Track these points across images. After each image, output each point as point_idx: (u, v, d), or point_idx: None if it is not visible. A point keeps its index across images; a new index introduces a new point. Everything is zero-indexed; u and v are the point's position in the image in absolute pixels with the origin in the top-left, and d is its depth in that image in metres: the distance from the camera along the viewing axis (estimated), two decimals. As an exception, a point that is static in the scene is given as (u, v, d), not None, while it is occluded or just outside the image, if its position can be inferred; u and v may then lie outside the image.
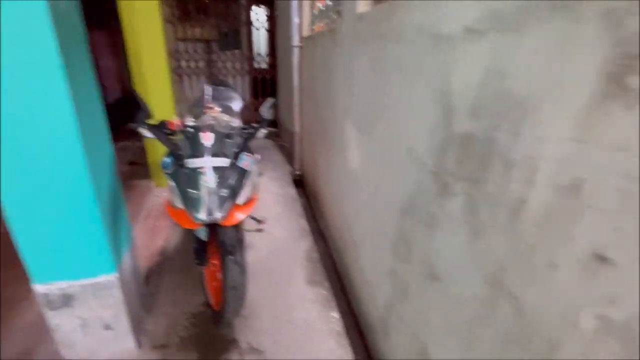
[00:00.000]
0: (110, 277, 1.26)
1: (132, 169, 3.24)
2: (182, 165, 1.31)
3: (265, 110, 1.38)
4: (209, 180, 1.27)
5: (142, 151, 3.33)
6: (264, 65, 4.52)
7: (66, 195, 1.10)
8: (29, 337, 1.31)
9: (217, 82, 2.47)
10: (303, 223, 2.55)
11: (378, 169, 1.38)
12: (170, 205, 1.38)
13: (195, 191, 1.27)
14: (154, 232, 2.27)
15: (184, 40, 4.23)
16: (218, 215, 1.26)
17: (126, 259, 1.40)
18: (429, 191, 0.97)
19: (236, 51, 4.54)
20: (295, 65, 3.13)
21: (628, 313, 0.47)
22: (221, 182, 1.30)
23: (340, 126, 1.96)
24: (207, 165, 1.29)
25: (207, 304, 1.67)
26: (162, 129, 1.41)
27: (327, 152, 2.35)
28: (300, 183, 3.46)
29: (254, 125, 1.60)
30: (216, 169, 1.31)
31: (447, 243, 0.90)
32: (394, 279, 1.26)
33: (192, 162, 1.29)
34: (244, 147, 1.41)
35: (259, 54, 4.41)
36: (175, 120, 1.38)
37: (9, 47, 0.91)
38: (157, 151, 2.85)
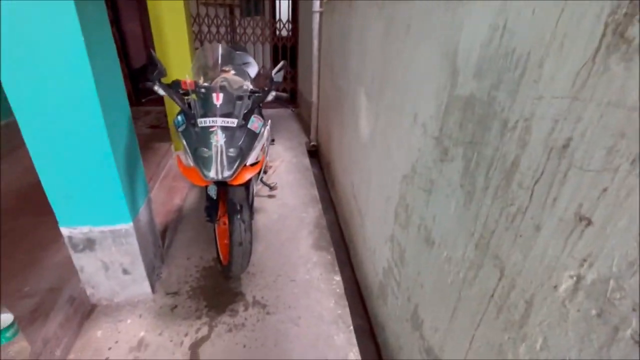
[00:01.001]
0: (126, 226, 1.36)
1: (153, 132, 3.36)
2: (193, 124, 1.36)
3: (275, 73, 1.38)
4: (218, 139, 1.32)
5: (164, 115, 3.43)
6: (285, 33, 4.42)
7: (85, 147, 1.17)
8: (57, 276, 1.46)
9: (233, 46, 2.47)
10: (314, 192, 2.59)
11: (385, 137, 1.37)
12: (182, 162, 1.45)
13: (205, 149, 1.32)
14: (171, 192, 2.39)
15: (206, 4, 4.17)
16: (226, 173, 1.31)
17: (143, 212, 1.49)
18: (430, 157, 0.97)
19: (258, 17, 4.46)
20: (315, 32, 3.05)
21: (601, 273, 0.48)
22: (230, 142, 1.34)
23: (353, 94, 1.93)
24: (217, 124, 1.32)
25: (218, 259, 1.77)
26: (175, 88, 1.45)
27: (340, 122, 2.33)
28: (315, 154, 3.48)
29: (265, 89, 1.61)
30: (226, 128, 1.34)
31: (442, 208, 0.90)
32: (393, 244, 1.29)
33: (203, 121, 1.33)
34: (254, 110, 1.44)
35: (280, 21, 4.30)
36: (188, 80, 1.41)
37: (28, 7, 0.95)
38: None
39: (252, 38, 4.37)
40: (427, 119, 0.98)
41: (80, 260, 1.39)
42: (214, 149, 1.31)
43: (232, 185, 1.42)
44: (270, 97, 1.44)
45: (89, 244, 1.35)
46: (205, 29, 4.17)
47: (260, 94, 1.46)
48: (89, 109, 1.12)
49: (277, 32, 4.34)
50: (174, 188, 2.43)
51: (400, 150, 1.19)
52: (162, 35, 2.63)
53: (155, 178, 2.47)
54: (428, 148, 0.98)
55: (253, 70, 2.29)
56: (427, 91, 0.98)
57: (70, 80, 1.06)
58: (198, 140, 1.34)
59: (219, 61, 1.60)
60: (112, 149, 1.21)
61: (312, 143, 3.48)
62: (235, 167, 1.33)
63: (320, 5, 2.94)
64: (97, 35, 1.12)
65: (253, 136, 1.42)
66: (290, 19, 4.40)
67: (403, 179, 1.18)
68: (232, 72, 1.76)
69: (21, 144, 1.12)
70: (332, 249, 1.97)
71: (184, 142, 1.36)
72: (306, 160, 3.14)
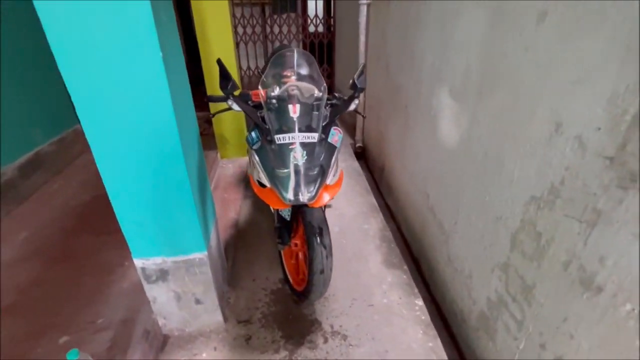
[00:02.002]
0: (200, 255, 1.25)
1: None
2: (270, 141, 1.22)
3: (357, 78, 1.20)
4: (297, 157, 1.17)
5: (208, 122, 3.36)
6: (320, 29, 4.24)
7: (162, 172, 1.06)
8: (128, 305, 1.38)
9: (283, 47, 2.31)
10: (371, 199, 2.42)
11: (492, 146, 1.16)
12: (256, 183, 1.31)
13: (283, 169, 1.17)
14: (224, 204, 2.29)
15: (240, 4, 4.06)
16: (307, 195, 1.16)
17: (213, 236, 1.38)
18: (594, 181, 0.76)
19: (291, 14, 4.29)
20: (361, 27, 2.84)
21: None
22: (310, 160, 1.19)
23: (425, 93, 1.72)
24: (296, 141, 1.18)
25: (285, 280, 1.64)
26: (245, 100, 1.32)
27: (401, 123, 2.13)
28: (362, 156, 3.29)
29: (339, 95, 1.45)
30: (305, 145, 1.19)
31: (623, 250, 0.70)
32: (508, 275, 1.09)
33: (281, 138, 1.18)
34: (333, 121, 1.27)
35: (315, 16, 4.12)
36: (259, 91, 1.27)
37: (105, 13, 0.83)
38: (222, 122, 2.84)
39: (287, 36, 4.22)
40: (589, 131, 0.77)
41: (153, 290, 1.29)
42: (293, 167, 1.16)
43: (309, 206, 1.27)
44: (352, 107, 1.27)
45: (162, 274, 1.25)
46: (240, 30, 4.06)
47: (338, 103, 1.30)
48: (167, 128, 1.00)
49: (314, 28, 4.16)
50: (226, 200, 2.33)
51: (527, 165, 0.99)
52: (206, 39, 2.53)
53: (206, 190, 2.38)
54: (589, 169, 0.78)
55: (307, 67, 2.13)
56: (585, 95, 0.78)
57: (147, 94, 0.94)
58: (275, 159, 1.20)
59: (295, 68, 1.44)
60: (188, 173, 1.09)
61: (358, 144, 3.29)
62: (316, 187, 1.18)
63: (369, -3, 2.73)
64: (170, 47, 1.00)
65: (332, 151, 1.27)
66: (325, 13, 4.20)
67: (531, 200, 0.97)
68: (294, 77, 1.60)
69: (76, 156, 1.02)
70: (405, 267, 1.79)
71: (258, 161, 1.22)
72: (355, 164, 2.97)
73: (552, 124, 0.88)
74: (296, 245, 1.49)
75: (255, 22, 4.06)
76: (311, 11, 4.24)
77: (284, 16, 4.22)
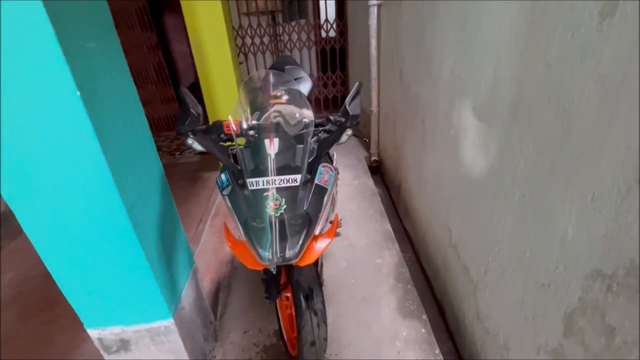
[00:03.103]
0: (166, 323, 1.04)
1: (202, 158, 3.15)
2: (242, 185, 0.98)
3: (352, 102, 0.94)
4: (276, 206, 0.92)
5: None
6: (332, 34, 3.99)
7: (103, 235, 0.86)
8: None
9: (283, 59, 2.08)
10: (386, 225, 2.12)
11: (534, 187, 0.86)
12: (229, 233, 1.08)
13: (258, 222, 0.93)
14: (222, 234, 2.09)
15: (247, 14, 3.91)
16: (289, 253, 0.92)
17: (186, 293, 1.17)
18: None
19: (302, 20, 4.08)
20: (372, 30, 2.57)
21: None
22: (292, 208, 0.95)
23: (444, 107, 1.42)
24: (272, 186, 0.93)
25: (280, 336, 1.40)
26: (217, 133, 1.09)
27: (417, 139, 1.84)
28: (377, 169, 3.00)
29: (333, 118, 1.18)
30: (284, 189, 0.95)
31: None
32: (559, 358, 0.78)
33: (254, 182, 0.95)
34: (322, 155, 1.02)
35: (327, 21, 3.88)
36: (232, 121, 1.04)
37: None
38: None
39: (297, 44, 4.01)
40: None
41: (116, 361, 1.10)
42: (270, 219, 0.92)
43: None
44: (344, 139, 1.01)
45: (124, 344, 1.06)
46: (248, 40, 3.91)
47: (328, 133, 1.05)
48: (100, 183, 0.79)
49: (325, 34, 3.92)
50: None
51: (588, 224, 0.68)
52: (203, 53, 2.37)
53: (205, 217, 2.20)
54: None
55: (306, 86, 1.88)
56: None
57: (66, 144, 0.74)
58: (249, 208, 0.96)
59: (270, 91, 1.21)
60: (137, 232, 0.88)
61: (373, 158, 3.00)
62: (300, 242, 0.93)
63: (379, -4, 2.45)
64: (105, 81, 0.79)
65: (321, 193, 1.01)
66: (337, 16, 3.96)
67: (596, 276, 0.67)
68: (285, 97, 1.36)
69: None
70: (425, 316, 1.49)
71: (231, 211, 0.99)
72: (370, 181, 2.68)
73: (633, 170, 0.58)
74: (287, 299, 1.25)
75: (263, 31, 3.88)
76: (323, 16, 4.01)
77: (293, 23, 4.02)
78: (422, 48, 1.67)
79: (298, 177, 0.95)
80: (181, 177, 2.67)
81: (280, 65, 1.91)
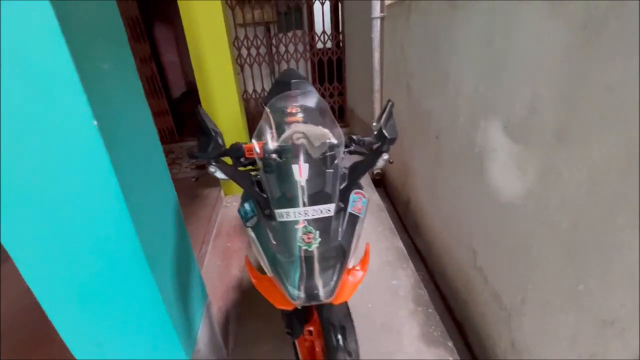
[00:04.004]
0: (182, 369, 0.92)
1: (200, 173, 3.02)
2: (268, 216, 0.89)
3: (387, 124, 0.87)
4: (309, 239, 0.84)
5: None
6: (328, 45, 3.97)
7: (117, 282, 0.75)
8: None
9: (286, 74, 2.00)
10: (397, 243, 2.05)
11: (588, 216, 0.80)
12: (252, 268, 0.98)
13: (287, 256, 0.84)
14: (226, 256, 1.98)
15: (243, 25, 3.85)
16: (323, 292, 0.83)
17: (202, 331, 1.05)
18: None
19: (298, 32, 4.05)
20: (375, 42, 2.54)
21: None
22: (325, 241, 0.86)
23: (464, 124, 1.38)
24: (306, 217, 0.85)
25: (299, 372, 1.29)
26: (236, 157, 1.00)
27: (430, 156, 1.78)
28: (381, 183, 2.94)
29: (357, 138, 1.11)
30: (317, 221, 0.86)
31: None
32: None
33: (284, 214, 0.86)
34: (354, 181, 0.94)
35: (323, 32, 3.86)
36: (254, 144, 0.95)
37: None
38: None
39: (294, 55, 3.96)
40: None
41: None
42: (301, 253, 0.83)
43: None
44: (381, 164, 0.94)
45: (133, 396, 0.93)
46: (244, 51, 3.84)
47: (358, 150, 0.97)
48: (113, 216, 0.69)
49: (323, 45, 3.89)
50: (228, 251, 2.02)
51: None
52: (203, 63, 2.27)
53: (207, 238, 2.08)
54: None
55: (314, 100, 1.82)
56: None
57: (81, 184, 0.64)
58: (276, 241, 0.87)
59: (292, 109, 1.13)
60: (154, 272, 0.78)
61: (376, 171, 2.94)
62: (335, 278, 0.84)
63: (382, 10, 2.43)
64: (120, 104, 0.70)
65: (354, 222, 0.93)
66: (334, 28, 3.94)
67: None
68: (300, 115, 1.28)
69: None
70: (450, 344, 1.41)
71: (257, 244, 0.90)
72: (375, 195, 2.62)
73: None
74: (310, 333, 1.15)
75: (259, 42, 3.82)
76: (318, 27, 3.98)
77: (290, 34, 3.98)
78: (437, 64, 1.63)
79: (332, 206, 0.87)
80: (179, 194, 2.53)
81: (286, 79, 1.84)
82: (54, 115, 0.58)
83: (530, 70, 0.96)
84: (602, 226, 0.76)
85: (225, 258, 1.96)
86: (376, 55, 2.57)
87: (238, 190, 2.71)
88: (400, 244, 2.04)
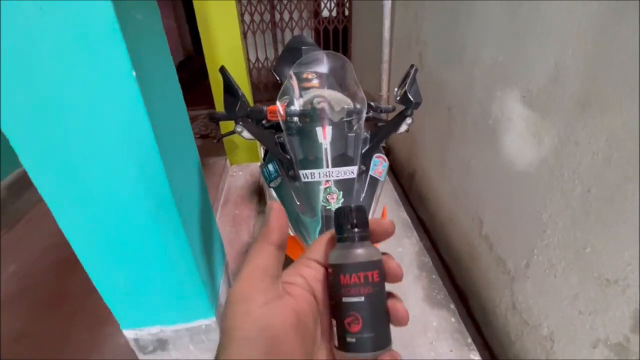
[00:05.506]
0: (207, 322, 0.98)
1: (204, 142, 3.02)
2: (292, 177, 0.92)
3: (412, 88, 0.87)
4: (331, 200, 0.87)
5: (212, 118, 3.07)
6: (334, 13, 3.83)
7: (150, 231, 0.78)
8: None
9: (296, 41, 1.95)
10: (402, 214, 2.11)
11: (602, 183, 0.83)
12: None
13: (311, 216, 0.88)
14: (235, 223, 2.02)
15: (245, -11, 3.69)
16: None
17: (222, 290, 1.11)
18: None
19: (302, -3, 3.89)
20: (386, 10, 2.46)
21: None
22: (348, 202, 0.89)
23: (480, 95, 1.38)
24: (330, 178, 0.87)
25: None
26: (258, 119, 1.01)
27: (441, 128, 1.79)
28: (386, 155, 2.96)
29: (375, 105, 1.12)
30: (340, 182, 0.89)
31: None
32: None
33: (309, 174, 0.88)
34: (376, 145, 0.96)
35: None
36: (277, 106, 0.96)
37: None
38: (230, 122, 2.55)
39: (299, 23, 3.83)
40: None
41: (151, 360, 1.04)
42: (324, 212, 0.87)
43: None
44: (404, 128, 0.95)
45: (161, 344, 1.00)
46: (247, 17, 3.70)
47: (383, 122, 0.98)
48: (151, 170, 0.71)
49: (328, 13, 3.76)
50: (237, 218, 2.06)
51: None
52: (209, 29, 2.21)
53: (215, 205, 2.11)
54: None
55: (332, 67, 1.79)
56: None
57: (115, 130, 0.65)
58: (301, 202, 0.90)
59: (317, 68, 1.12)
60: (185, 226, 0.81)
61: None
62: (356, 237, 0.88)
63: (395, -26, 2.34)
64: (151, 56, 0.69)
65: (374, 185, 0.96)
66: (339, -5, 3.79)
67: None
68: (315, 80, 1.27)
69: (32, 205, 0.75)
70: (452, 306, 1.49)
71: (278, 202, 0.93)
72: (380, 168, 2.64)
73: None
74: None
75: (263, 8, 3.68)
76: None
77: (294, 0, 3.83)
78: (453, 33, 1.60)
79: (355, 169, 0.89)
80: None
81: (297, 45, 1.80)
82: (94, 65, 0.58)
83: (556, 39, 0.96)
84: (614, 192, 0.80)
85: (234, 224, 2.00)
86: (386, 23, 2.50)
87: (243, 160, 2.73)
88: (405, 215, 2.09)
